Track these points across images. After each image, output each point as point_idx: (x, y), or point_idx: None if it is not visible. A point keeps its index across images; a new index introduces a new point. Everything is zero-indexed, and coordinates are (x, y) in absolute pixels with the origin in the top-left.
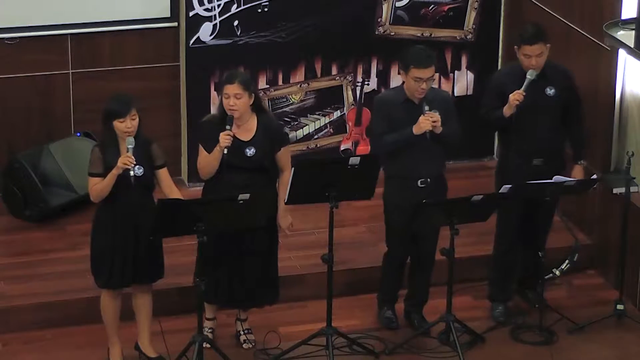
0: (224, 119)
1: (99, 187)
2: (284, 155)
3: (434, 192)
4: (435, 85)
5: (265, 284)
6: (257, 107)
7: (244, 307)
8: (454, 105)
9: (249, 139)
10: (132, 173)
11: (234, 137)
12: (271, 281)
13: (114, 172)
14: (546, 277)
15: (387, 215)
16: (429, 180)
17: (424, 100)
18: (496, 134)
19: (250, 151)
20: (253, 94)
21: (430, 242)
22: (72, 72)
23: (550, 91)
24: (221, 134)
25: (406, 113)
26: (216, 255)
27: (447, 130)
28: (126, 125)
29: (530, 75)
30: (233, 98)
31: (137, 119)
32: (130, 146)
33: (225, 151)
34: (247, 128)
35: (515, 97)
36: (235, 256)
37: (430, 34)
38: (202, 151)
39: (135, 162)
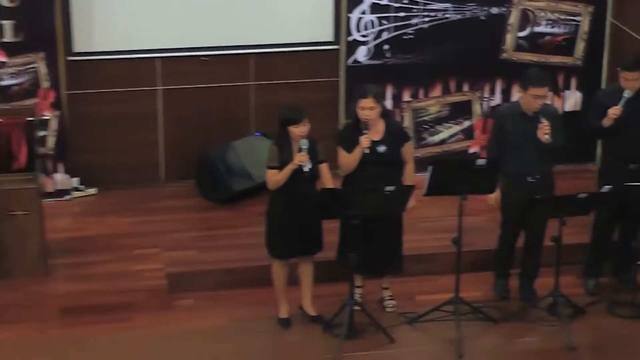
0: (357, 125)
1: (276, 178)
2: (408, 149)
3: (543, 187)
4: (549, 102)
5: (392, 258)
6: (383, 113)
7: (373, 276)
8: (561, 117)
9: (379, 139)
10: (305, 168)
11: None
12: (396, 256)
13: (290, 167)
14: (638, 262)
15: (502, 204)
16: (537, 177)
17: (540, 113)
18: (599, 143)
19: (381, 148)
20: (382, 104)
21: (538, 229)
22: (253, 84)
23: None
24: (362, 137)
25: (521, 123)
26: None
27: (556, 138)
28: (300, 130)
29: (626, 94)
30: (368, 110)
31: (308, 125)
32: (304, 147)
33: (367, 151)
34: (377, 130)
35: (613, 111)
36: (367, 237)
37: (546, 60)
38: (341, 151)
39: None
